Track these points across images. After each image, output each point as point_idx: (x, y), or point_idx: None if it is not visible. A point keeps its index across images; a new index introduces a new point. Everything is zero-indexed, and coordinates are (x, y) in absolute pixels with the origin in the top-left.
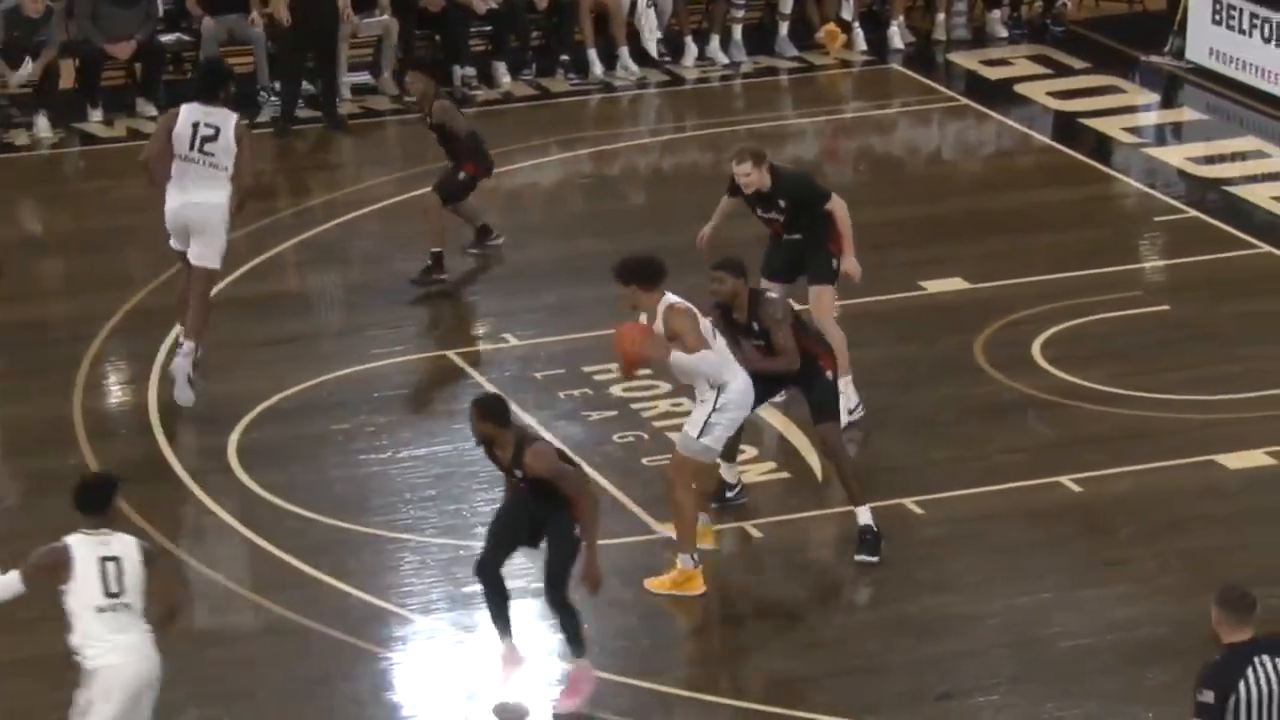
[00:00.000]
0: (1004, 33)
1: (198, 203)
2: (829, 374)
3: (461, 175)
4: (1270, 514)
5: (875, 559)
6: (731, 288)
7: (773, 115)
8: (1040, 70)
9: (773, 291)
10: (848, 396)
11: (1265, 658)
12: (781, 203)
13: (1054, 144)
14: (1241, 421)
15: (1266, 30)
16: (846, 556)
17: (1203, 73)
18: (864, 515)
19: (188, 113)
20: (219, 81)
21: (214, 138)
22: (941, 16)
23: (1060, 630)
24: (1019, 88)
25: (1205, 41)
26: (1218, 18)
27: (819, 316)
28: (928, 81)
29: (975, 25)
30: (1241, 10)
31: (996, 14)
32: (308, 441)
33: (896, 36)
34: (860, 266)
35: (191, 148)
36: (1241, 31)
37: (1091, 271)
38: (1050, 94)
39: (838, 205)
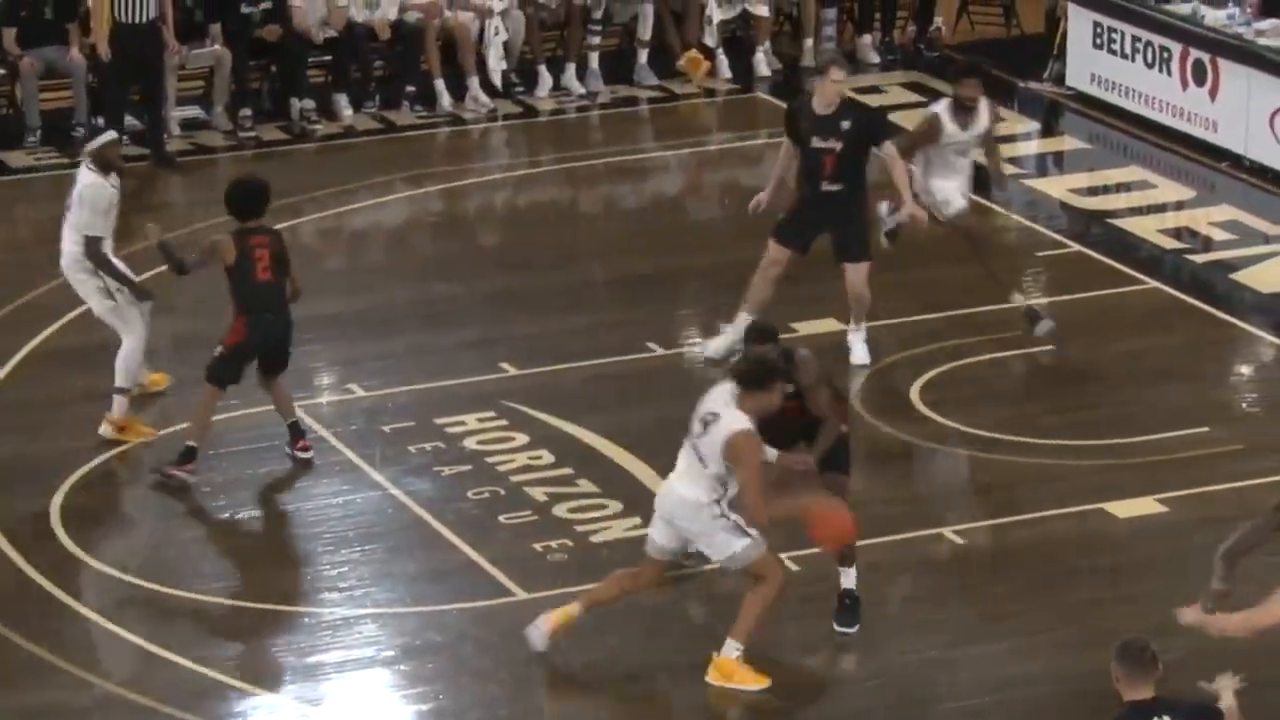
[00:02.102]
0: (876, 58)
1: None
2: (843, 428)
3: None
4: (1163, 564)
5: (852, 630)
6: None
7: (633, 147)
8: (914, 97)
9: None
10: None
11: (1166, 718)
12: (845, 125)
13: None
14: (1131, 467)
15: (1149, 54)
16: (713, 618)
17: (1084, 99)
18: (849, 578)
19: None
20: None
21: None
22: (809, 42)
23: (945, 690)
24: (892, 116)
25: (1086, 67)
26: (1099, 41)
27: (860, 293)
28: None
29: (845, 50)
30: (1123, 33)
31: (867, 39)
32: (137, 502)
33: (763, 63)
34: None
35: None
36: (1124, 56)
37: (971, 310)
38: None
39: (895, 154)
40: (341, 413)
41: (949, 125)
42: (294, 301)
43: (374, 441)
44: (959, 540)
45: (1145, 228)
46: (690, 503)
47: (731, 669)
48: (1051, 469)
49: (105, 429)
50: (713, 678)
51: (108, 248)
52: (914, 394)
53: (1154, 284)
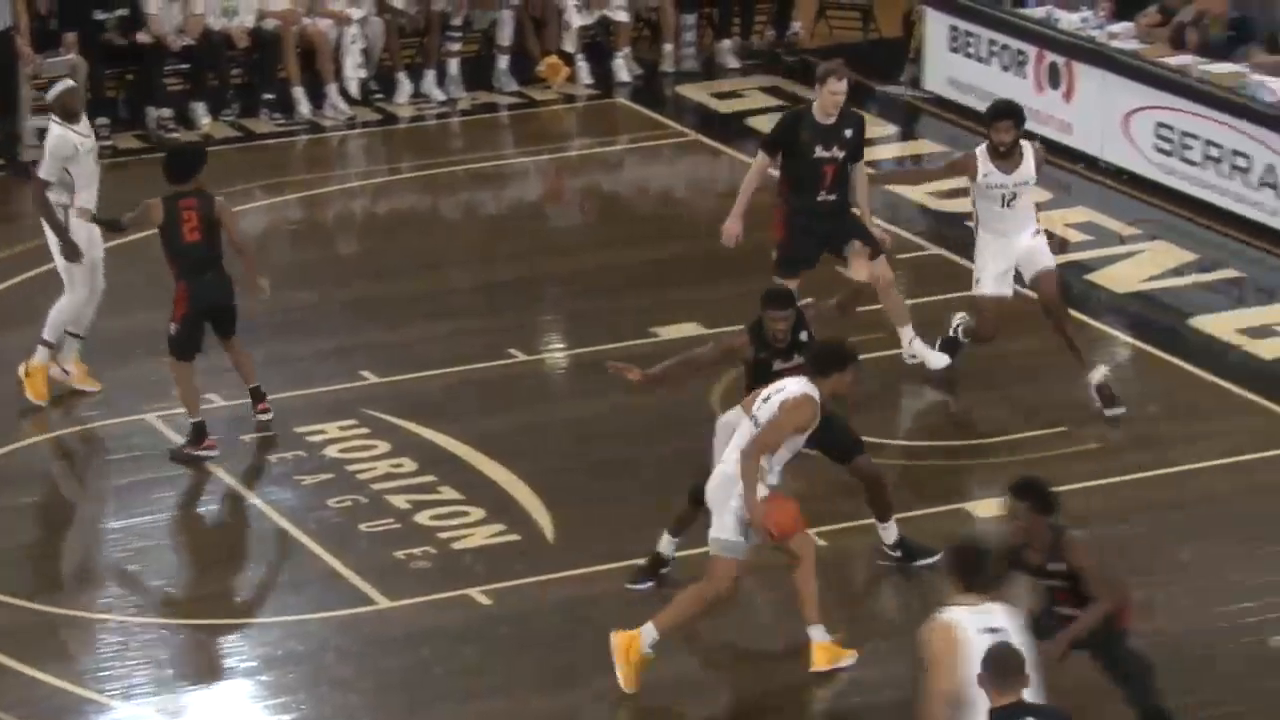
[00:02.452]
0: (735, 63)
1: None
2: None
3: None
4: None
5: (932, 558)
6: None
7: (493, 153)
8: (774, 102)
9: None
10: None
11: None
12: (848, 133)
13: None
14: (990, 467)
15: (1005, 58)
16: (580, 624)
17: (941, 103)
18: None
19: None
20: None
21: None
22: (669, 47)
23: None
24: (752, 121)
25: (943, 70)
26: (955, 45)
27: (886, 288)
28: (656, 116)
29: (705, 56)
30: (980, 37)
31: (727, 43)
32: None
33: (622, 68)
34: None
35: None
36: (980, 59)
37: None
38: None
39: (863, 166)
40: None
41: (984, 165)
42: (249, 266)
43: (234, 451)
44: (821, 542)
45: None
46: (731, 477)
47: (832, 652)
48: (912, 470)
49: (21, 369)
50: (820, 664)
51: (78, 200)
52: None
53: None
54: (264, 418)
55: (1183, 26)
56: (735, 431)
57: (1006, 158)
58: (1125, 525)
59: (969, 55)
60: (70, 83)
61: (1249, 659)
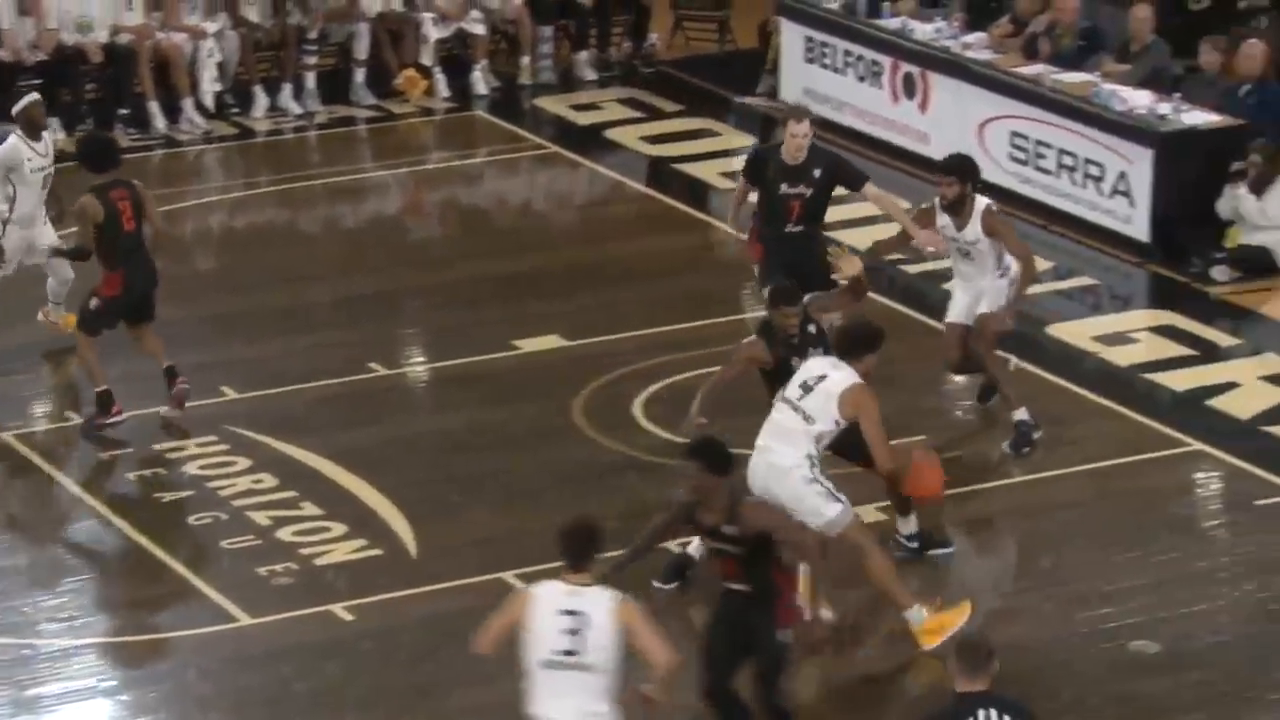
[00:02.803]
0: (592, 75)
1: None
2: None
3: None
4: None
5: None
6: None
7: (351, 167)
8: (632, 114)
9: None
10: None
11: (993, 710)
12: (816, 173)
13: (649, 191)
14: (853, 476)
15: (861, 68)
16: (443, 638)
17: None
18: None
19: None
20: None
21: None
22: (526, 59)
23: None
24: (610, 133)
25: (799, 80)
26: (811, 55)
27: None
28: (515, 128)
29: (562, 68)
30: (835, 47)
31: (584, 55)
32: None
33: (480, 81)
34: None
35: None
36: (836, 70)
37: (694, 324)
38: (643, 138)
39: (879, 191)
40: (60, 440)
41: (940, 217)
42: (154, 248)
43: (92, 468)
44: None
45: (860, 239)
46: (780, 468)
47: (936, 623)
48: None
49: None
50: (929, 642)
51: (15, 211)
52: (637, 409)
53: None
54: (183, 386)
55: (1035, 37)
56: (774, 423)
57: (955, 213)
58: (987, 533)
59: (825, 66)
60: (36, 96)
61: (1110, 663)
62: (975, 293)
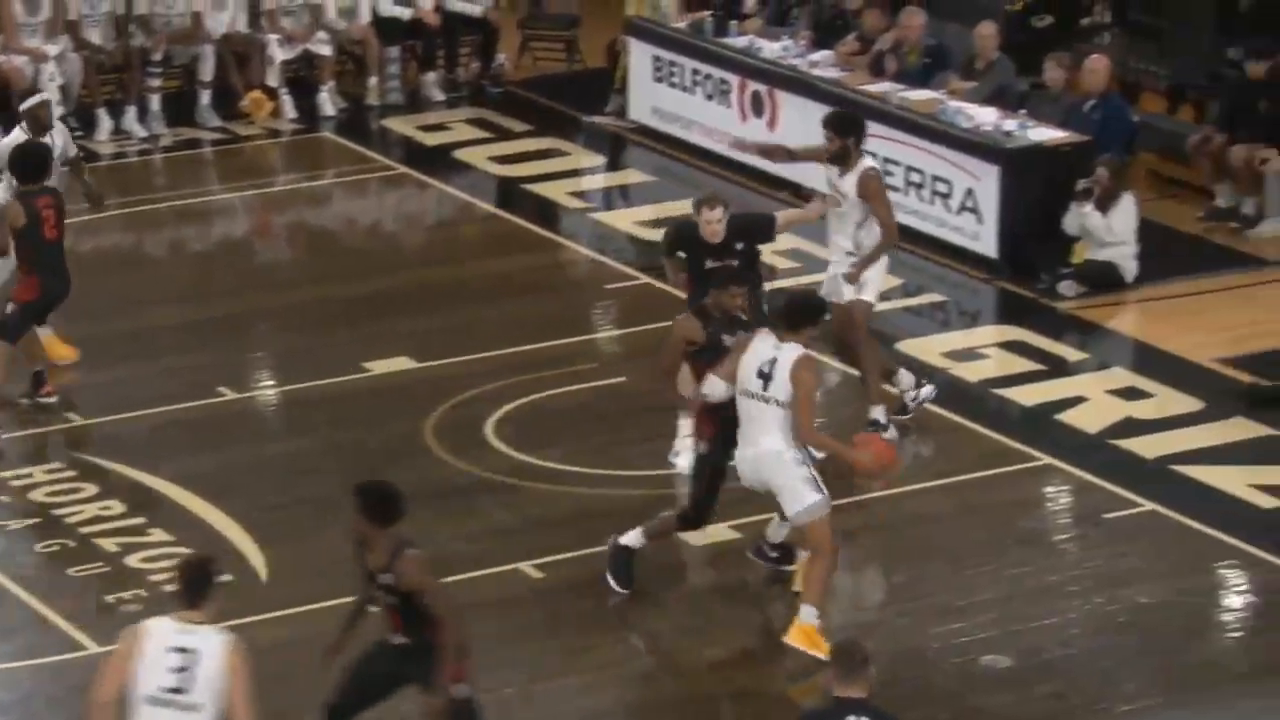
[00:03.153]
0: (440, 95)
1: None
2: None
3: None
4: (735, 591)
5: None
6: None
7: (197, 190)
8: (480, 134)
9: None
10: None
11: (865, 718)
12: (739, 246)
13: (498, 211)
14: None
15: (709, 87)
16: (294, 664)
17: (647, 132)
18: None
19: None
20: None
21: None
22: (374, 80)
23: None
24: (459, 153)
25: (648, 100)
26: (660, 75)
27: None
28: (362, 149)
29: (410, 88)
30: (683, 66)
31: (432, 76)
32: None
33: (327, 102)
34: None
35: None
36: (685, 89)
37: (544, 344)
38: (492, 159)
39: (781, 223)
40: None
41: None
42: None
43: None
44: (537, 574)
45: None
46: (771, 453)
47: (811, 637)
48: (626, 500)
49: None
50: (794, 638)
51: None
52: (489, 430)
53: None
54: (46, 400)
55: (881, 54)
56: (748, 420)
57: (840, 163)
58: (844, 548)
59: (673, 85)
60: (45, 96)
61: (962, 677)
62: (840, 256)
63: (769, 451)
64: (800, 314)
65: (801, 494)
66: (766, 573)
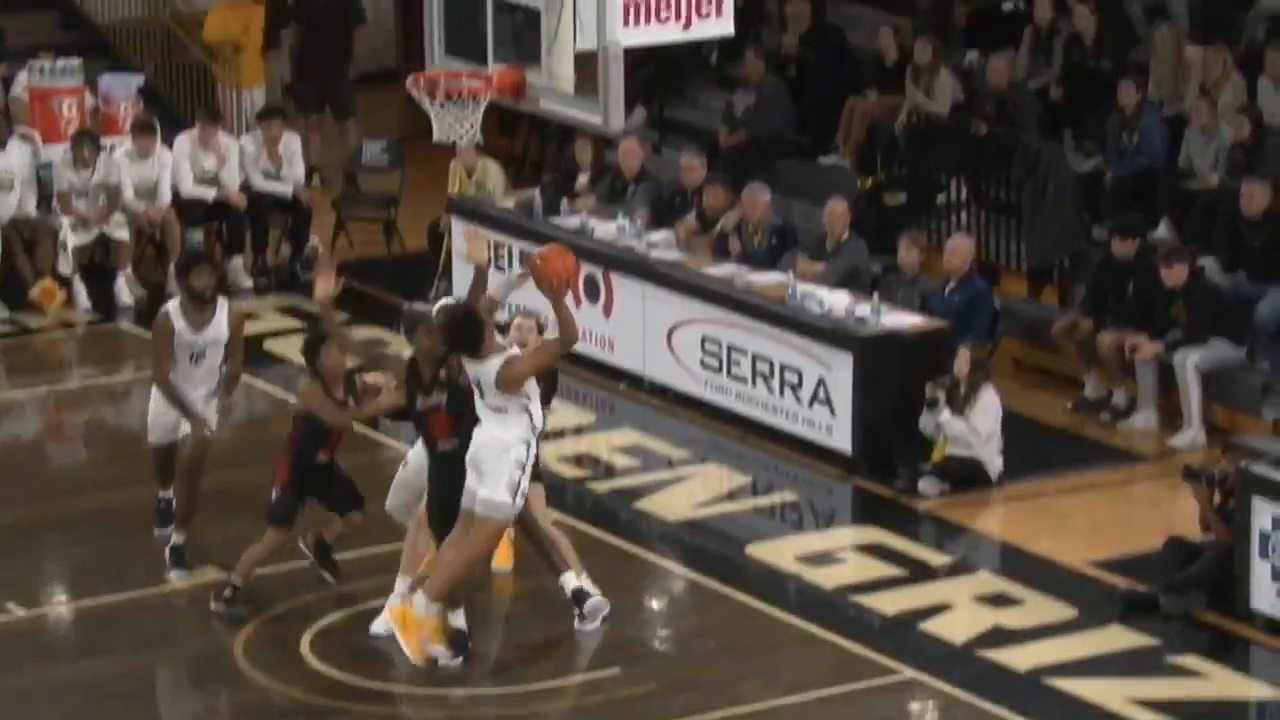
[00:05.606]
0: (248, 282)
1: None
2: None
3: None
4: None
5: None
6: None
7: None
8: (293, 323)
9: None
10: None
11: None
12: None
13: None
14: (543, 716)
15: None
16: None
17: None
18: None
19: None
20: None
21: None
22: (174, 266)
23: None
24: (270, 344)
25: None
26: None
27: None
28: None
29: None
30: (510, 248)
31: (239, 260)
32: None
33: (125, 291)
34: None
35: None
36: (501, 269)
37: (360, 553)
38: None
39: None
40: None
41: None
42: None
43: None
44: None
45: (544, 455)
46: (501, 441)
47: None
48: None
49: None
50: (394, 620)
51: None
52: (304, 646)
53: (558, 515)
54: None
55: (724, 235)
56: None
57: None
58: None
59: (500, 268)
60: None
61: None
62: None
63: (500, 439)
64: (469, 336)
65: (497, 488)
66: None
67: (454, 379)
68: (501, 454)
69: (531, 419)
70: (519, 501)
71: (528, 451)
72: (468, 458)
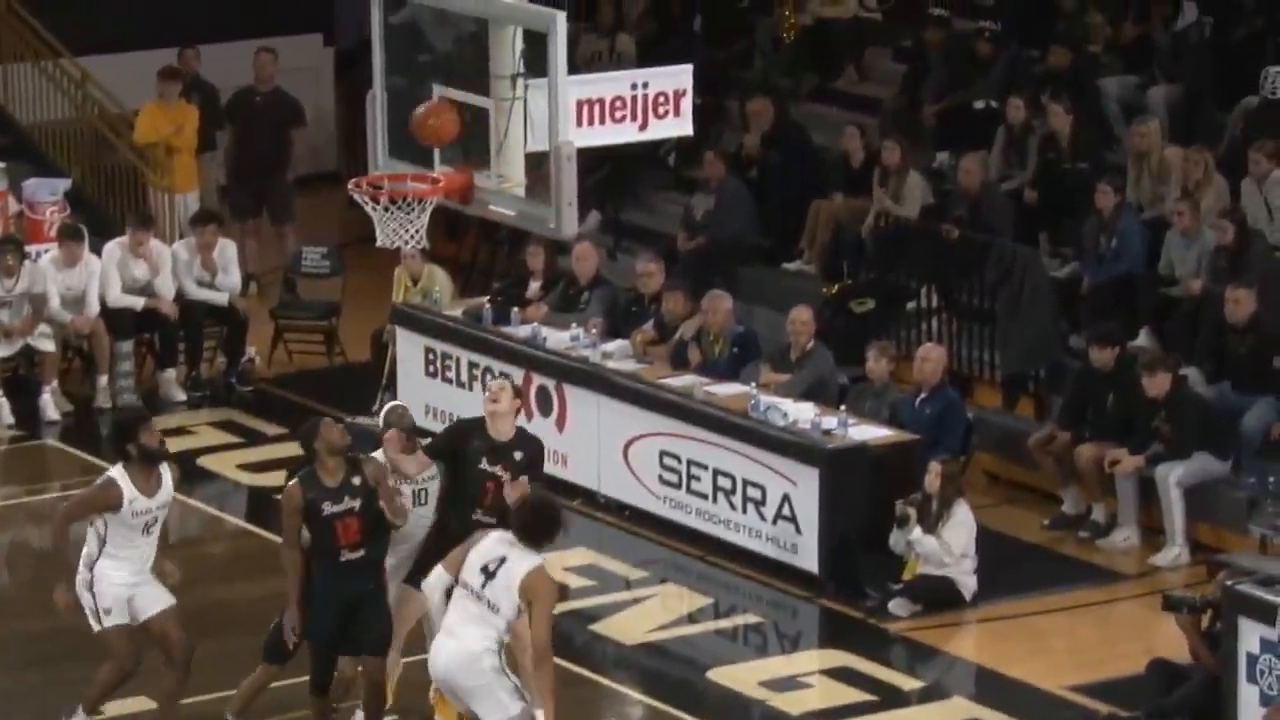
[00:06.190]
0: (181, 395)
1: None
2: None
3: None
4: None
5: None
6: None
7: None
8: (228, 438)
9: None
10: None
11: None
12: (518, 455)
13: (250, 526)
14: None
15: (488, 379)
16: None
17: (418, 432)
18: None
19: None
20: None
21: None
22: (104, 379)
23: None
24: (204, 460)
25: (419, 397)
26: (432, 369)
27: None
28: (91, 458)
29: (146, 388)
30: (459, 359)
31: (171, 373)
32: None
33: (50, 406)
34: None
35: None
36: (461, 384)
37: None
38: (241, 466)
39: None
40: None
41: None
42: None
43: None
44: None
45: None
46: (469, 653)
47: None
48: None
49: None
50: None
51: None
52: None
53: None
54: None
55: (683, 344)
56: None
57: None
58: None
59: (448, 380)
60: None
61: None
62: None
63: (468, 651)
64: (544, 527)
65: (505, 702)
66: None
67: (368, 484)
68: (475, 668)
69: (504, 632)
70: (528, 701)
71: (499, 652)
72: (439, 676)
